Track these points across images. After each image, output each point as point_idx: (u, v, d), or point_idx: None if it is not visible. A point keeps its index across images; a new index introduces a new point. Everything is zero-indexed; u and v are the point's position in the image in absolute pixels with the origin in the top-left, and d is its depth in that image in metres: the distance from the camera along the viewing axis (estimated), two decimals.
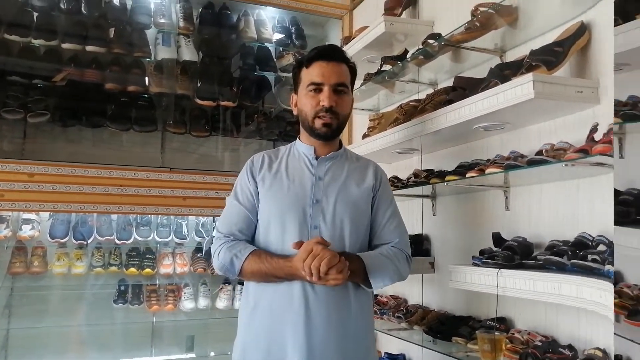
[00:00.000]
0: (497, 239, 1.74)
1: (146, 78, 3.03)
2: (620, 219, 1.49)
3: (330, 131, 1.54)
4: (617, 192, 1.69)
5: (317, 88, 1.51)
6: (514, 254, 1.54)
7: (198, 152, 3.28)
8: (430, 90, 2.36)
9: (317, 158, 1.58)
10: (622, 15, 1.56)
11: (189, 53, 3.14)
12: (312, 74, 1.52)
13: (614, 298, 1.56)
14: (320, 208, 1.50)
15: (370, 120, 2.59)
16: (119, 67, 2.97)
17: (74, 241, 2.84)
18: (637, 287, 1.65)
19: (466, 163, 1.92)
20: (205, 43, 3.23)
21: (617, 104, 1.57)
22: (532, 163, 1.45)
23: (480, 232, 1.98)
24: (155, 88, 3.00)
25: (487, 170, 1.63)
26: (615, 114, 1.52)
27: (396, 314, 2.25)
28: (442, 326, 1.94)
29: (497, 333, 1.58)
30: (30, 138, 2.84)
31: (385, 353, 2.44)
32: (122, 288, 2.95)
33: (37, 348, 2.81)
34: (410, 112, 2.23)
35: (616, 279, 1.75)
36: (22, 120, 2.72)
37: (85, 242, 2.86)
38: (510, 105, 1.51)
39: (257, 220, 1.56)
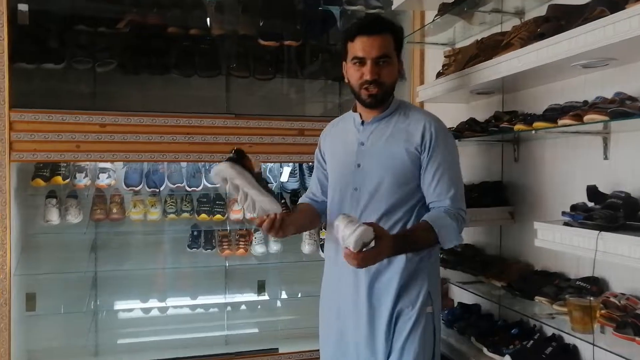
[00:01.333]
0: (593, 192, 1.54)
1: (207, 19, 2.92)
2: (607, 223, 1.33)
3: (375, 101, 1.61)
4: (603, 195, 1.51)
5: (361, 61, 1.57)
6: (616, 212, 1.36)
7: (262, 94, 3.20)
8: (516, 21, 2.09)
9: (362, 123, 1.67)
10: (610, 5, 1.37)
11: None
12: (355, 48, 1.58)
13: (600, 309, 1.40)
14: (361, 172, 1.62)
15: (445, 57, 2.37)
16: (180, 8, 2.88)
17: (147, 189, 2.91)
18: (625, 296, 1.45)
19: (558, 106, 1.69)
20: None
21: (603, 102, 1.46)
22: None
23: (571, 182, 1.78)
24: (217, 30, 2.89)
25: (587, 118, 1.42)
26: (602, 112, 1.36)
27: (472, 266, 2.14)
28: (524, 283, 1.81)
29: (589, 298, 1.43)
30: (100, 87, 2.87)
31: (459, 303, 2.36)
32: (195, 233, 3.03)
33: (123, 288, 2.99)
34: (492, 47, 1.98)
35: (601, 287, 1.57)
36: (91, 70, 2.73)
37: (157, 190, 2.92)
38: (622, 40, 1.27)
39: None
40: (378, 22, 1.63)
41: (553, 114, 1.63)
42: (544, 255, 1.91)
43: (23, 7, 2.51)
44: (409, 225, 1.58)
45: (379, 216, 1.58)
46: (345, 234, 1.29)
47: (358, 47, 1.57)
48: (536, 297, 1.67)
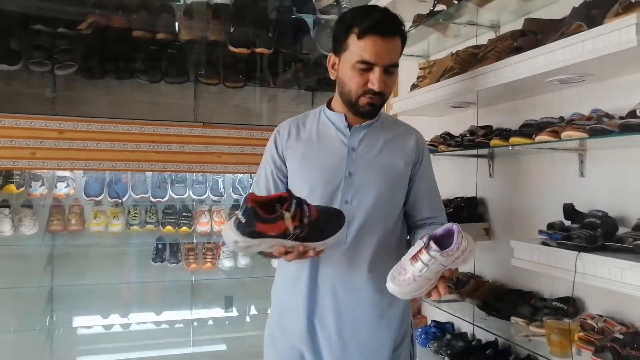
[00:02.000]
0: (570, 211, 1.51)
1: (176, 24, 2.82)
2: (586, 244, 1.30)
3: (374, 110, 1.40)
4: (580, 214, 1.48)
5: (368, 67, 1.32)
6: (594, 232, 1.32)
7: (233, 103, 3.10)
8: (491, 35, 2.07)
9: (349, 127, 1.43)
10: (588, 20, 1.34)
11: None
12: (364, 49, 1.31)
13: (577, 331, 1.36)
14: (353, 181, 1.38)
15: (420, 69, 2.33)
16: (146, 11, 2.76)
17: (109, 199, 2.77)
18: (602, 318, 1.40)
19: (534, 121, 1.66)
20: None
21: (580, 118, 1.43)
22: (627, 128, 1.19)
23: (547, 200, 1.75)
24: (186, 35, 2.78)
25: (564, 134, 1.38)
26: (580, 129, 1.33)
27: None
28: (499, 302, 1.76)
29: (566, 320, 1.39)
30: (60, 91, 2.72)
31: (432, 321, 2.31)
32: (160, 246, 2.90)
33: (82, 304, 2.83)
34: (467, 60, 1.95)
35: (577, 308, 1.54)
36: (51, 73, 2.59)
37: (120, 200, 2.79)
38: (600, 56, 1.23)
39: None
40: (396, 22, 1.36)
41: (529, 130, 1.59)
42: (518, 274, 1.87)
43: None
44: (397, 245, 1.41)
45: (379, 235, 1.38)
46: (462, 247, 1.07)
47: (369, 48, 1.30)
48: (512, 318, 1.62)
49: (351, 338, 1.37)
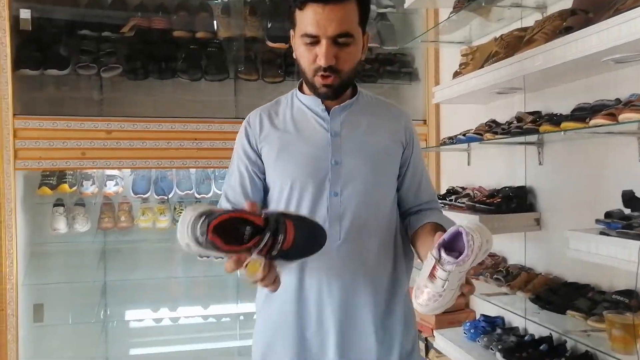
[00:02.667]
0: (630, 198, 1.42)
1: (214, 22, 2.85)
2: None
3: (332, 91, 1.21)
4: None
5: (314, 40, 1.16)
6: None
7: (272, 97, 3.10)
8: (537, 16, 1.97)
9: (327, 110, 1.27)
10: None
11: None
12: (305, 21, 1.15)
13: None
14: (340, 170, 1.22)
15: (462, 56, 2.25)
16: (186, 11, 2.82)
17: (156, 196, 2.84)
18: None
19: (587, 105, 1.58)
20: None
21: (639, 99, 1.30)
22: None
23: (603, 187, 1.66)
24: (224, 32, 2.82)
25: (622, 117, 1.30)
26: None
27: (494, 276, 2.01)
28: (554, 295, 1.68)
29: (629, 314, 1.31)
30: (107, 93, 2.81)
31: (481, 315, 2.24)
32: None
33: (133, 298, 2.93)
34: (513, 44, 1.87)
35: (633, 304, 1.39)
36: (97, 76, 2.67)
37: (166, 197, 2.85)
38: None
39: (264, 191, 1.31)
40: None
41: (582, 114, 1.51)
42: (573, 266, 1.78)
43: (25, 12, 2.46)
44: (395, 237, 1.28)
45: (375, 228, 1.24)
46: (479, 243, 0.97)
47: (309, 20, 1.14)
48: (568, 312, 1.55)
49: (351, 346, 1.23)
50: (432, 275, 0.99)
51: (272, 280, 1.01)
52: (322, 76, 1.18)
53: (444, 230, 1.08)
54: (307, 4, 1.14)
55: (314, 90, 1.24)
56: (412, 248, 1.30)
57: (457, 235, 0.97)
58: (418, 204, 1.34)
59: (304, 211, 1.21)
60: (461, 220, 1.35)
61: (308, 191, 1.22)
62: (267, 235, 0.96)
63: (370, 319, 1.23)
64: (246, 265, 0.96)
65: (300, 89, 1.32)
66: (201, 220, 0.93)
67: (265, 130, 1.29)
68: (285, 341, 1.24)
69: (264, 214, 0.99)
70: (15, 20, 2.42)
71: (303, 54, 1.19)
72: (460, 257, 0.96)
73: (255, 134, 1.29)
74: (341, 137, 1.25)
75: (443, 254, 0.97)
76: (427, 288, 0.99)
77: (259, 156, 1.29)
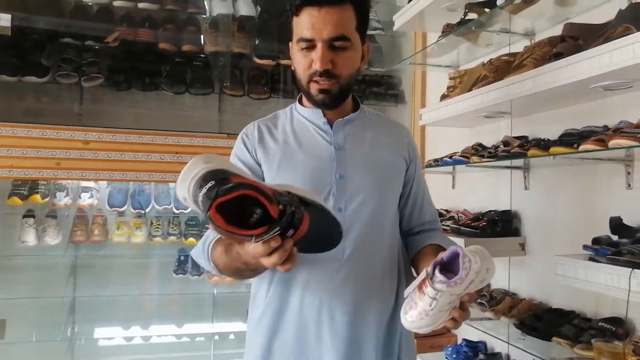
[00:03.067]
0: (617, 225, 1.42)
1: (201, 36, 2.82)
2: None
3: (329, 98, 1.17)
4: (629, 228, 1.36)
5: (309, 45, 1.14)
6: None
7: (257, 114, 3.07)
8: (526, 42, 2.00)
9: (329, 124, 1.23)
10: (635, 22, 1.26)
11: (245, 7, 2.90)
12: (301, 25, 1.14)
13: (631, 355, 1.21)
14: (345, 185, 1.17)
15: (450, 79, 2.27)
16: (173, 24, 2.78)
17: (132, 210, 2.76)
18: None
19: (575, 130, 1.58)
20: None
21: (629, 126, 1.34)
22: None
23: (590, 213, 1.66)
24: (211, 47, 2.79)
25: (612, 143, 1.30)
26: (630, 137, 1.23)
27: (478, 300, 1.99)
28: (538, 321, 1.66)
29: (618, 342, 1.29)
30: (87, 103, 2.74)
31: (463, 339, 2.21)
32: (182, 258, 2.87)
33: (103, 315, 2.80)
34: (502, 68, 1.88)
35: (627, 329, 1.40)
36: (78, 85, 2.60)
37: (143, 211, 2.77)
38: None
39: None
40: None
41: (571, 139, 1.52)
42: (558, 291, 1.77)
43: (5, 17, 2.39)
44: (400, 256, 1.24)
45: (382, 246, 1.19)
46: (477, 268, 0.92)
47: (305, 23, 1.12)
48: (554, 338, 1.52)
49: None
50: (420, 290, 0.94)
51: (280, 260, 0.86)
52: (317, 82, 1.15)
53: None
54: (303, 9, 1.12)
55: (311, 99, 1.20)
56: (413, 270, 1.26)
57: (456, 256, 0.93)
58: (420, 223, 1.31)
59: None
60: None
61: None
62: (276, 229, 0.81)
63: (372, 343, 1.15)
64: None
65: (300, 102, 1.28)
66: (208, 187, 0.78)
67: (265, 142, 1.23)
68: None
69: (281, 205, 0.82)
70: None
71: (299, 61, 1.16)
72: (453, 279, 0.92)
73: (254, 145, 1.23)
74: (345, 151, 1.20)
75: (437, 272, 0.93)
76: (417, 302, 0.95)
77: (260, 165, 1.22)
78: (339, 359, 1.12)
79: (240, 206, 0.82)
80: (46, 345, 2.67)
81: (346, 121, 1.24)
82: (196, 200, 0.80)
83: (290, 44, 1.21)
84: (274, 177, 1.20)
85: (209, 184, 0.78)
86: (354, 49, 1.16)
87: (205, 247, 1.12)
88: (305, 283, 1.14)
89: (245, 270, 1.02)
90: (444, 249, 1.15)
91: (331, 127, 1.22)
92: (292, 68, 1.22)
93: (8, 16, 2.43)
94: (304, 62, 1.16)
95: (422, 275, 0.96)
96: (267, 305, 1.17)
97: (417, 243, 1.25)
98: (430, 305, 0.93)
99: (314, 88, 1.17)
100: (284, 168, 1.19)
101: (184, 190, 0.82)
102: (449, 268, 0.95)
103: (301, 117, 1.27)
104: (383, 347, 1.17)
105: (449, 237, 1.31)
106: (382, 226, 1.20)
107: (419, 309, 0.95)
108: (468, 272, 0.91)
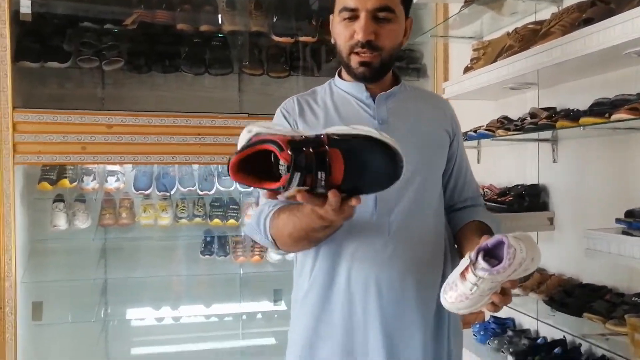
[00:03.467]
0: None
1: (219, 16, 2.80)
2: None
3: (370, 71, 1.15)
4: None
5: (352, 14, 1.11)
6: None
7: (277, 93, 3.06)
8: (553, 9, 1.91)
9: (372, 97, 1.20)
10: None
11: None
12: None
13: None
14: None
15: (473, 50, 2.20)
16: (190, 5, 2.76)
17: (158, 192, 2.79)
18: None
19: (606, 100, 1.51)
20: None
21: None
22: None
23: (621, 185, 1.60)
24: (229, 26, 2.76)
25: None
26: None
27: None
28: (568, 297, 1.63)
29: None
30: (109, 87, 2.76)
31: (491, 316, 2.19)
32: (208, 239, 2.91)
33: (134, 296, 2.88)
34: (528, 37, 1.81)
35: None
36: (99, 69, 2.62)
37: (168, 193, 2.80)
38: None
39: None
40: None
41: (602, 109, 1.45)
42: (588, 267, 1.73)
43: (26, 4, 2.40)
44: (444, 234, 1.21)
45: (427, 223, 1.17)
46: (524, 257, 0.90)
47: None
48: (585, 314, 1.49)
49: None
50: (463, 276, 0.93)
51: (334, 214, 0.83)
52: (359, 53, 1.13)
53: (489, 230, 1.04)
54: None
55: (350, 72, 1.17)
56: (456, 246, 1.24)
57: (501, 244, 0.91)
58: (463, 199, 1.29)
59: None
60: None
61: None
62: (296, 175, 0.76)
63: (420, 323, 1.13)
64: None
65: (340, 76, 1.25)
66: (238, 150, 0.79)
67: (306, 116, 1.20)
68: (332, 339, 1.14)
69: (290, 150, 0.77)
70: (15, 12, 2.37)
71: (340, 32, 1.14)
72: (495, 267, 0.90)
73: (295, 119, 1.20)
74: (390, 125, 1.16)
75: (480, 259, 0.92)
76: (457, 285, 0.94)
77: None
78: (386, 340, 1.11)
79: (265, 161, 0.81)
80: (81, 326, 2.76)
81: (388, 95, 1.21)
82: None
83: (331, 16, 1.19)
84: None
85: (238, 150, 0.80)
86: (398, 22, 1.14)
87: (260, 220, 1.10)
88: (351, 258, 1.12)
89: (319, 229, 0.98)
90: (487, 226, 1.16)
91: (374, 101, 1.20)
92: (332, 41, 1.19)
93: (28, 2, 2.46)
94: (345, 33, 1.13)
95: (466, 261, 0.95)
96: (313, 281, 1.15)
97: (460, 219, 1.24)
98: (471, 290, 0.93)
99: (354, 60, 1.14)
100: None
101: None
102: (493, 254, 0.93)
103: (341, 92, 1.23)
104: (433, 328, 1.15)
105: (491, 214, 1.28)
106: (428, 203, 1.17)
107: (459, 292, 0.94)
108: (512, 262, 0.89)
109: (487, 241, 0.94)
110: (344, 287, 1.12)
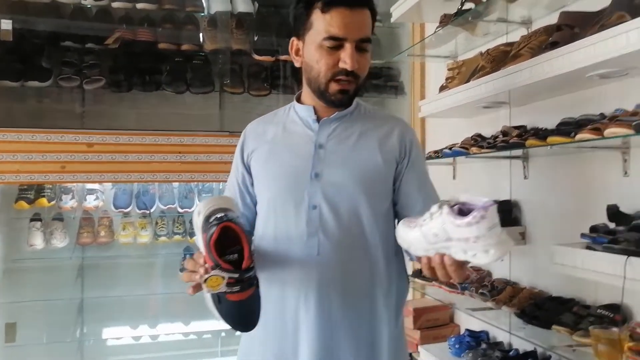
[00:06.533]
0: (614, 213, 1.42)
1: (200, 34, 2.84)
2: (636, 247, 1.19)
3: (347, 98, 1.21)
4: (625, 216, 1.37)
5: (338, 44, 1.14)
6: None
7: (258, 111, 3.09)
8: (523, 31, 1.99)
9: (318, 120, 1.25)
10: (630, 9, 1.25)
11: (243, 4, 2.91)
12: (331, 23, 1.13)
13: (627, 341, 1.23)
14: (320, 184, 1.19)
15: (448, 70, 2.27)
16: (172, 24, 2.80)
17: (137, 210, 2.79)
18: None
19: (572, 119, 1.58)
20: None
21: (624, 114, 1.33)
22: None
23: (588, 201, 1.66)
24: (210, 45, 2.80)
25: (608, 132, 1.30)
26: (625, 125, 1.23)
27: (480, 290, 2.00)
28: (539, 310, 1.67)
29: (614, 329, 1.30)
30: (89, 104, 2.76)
31: (466, 330, 2.22)
32: (188, 257, 2.88)
33: (111, 315, 2.85)
34: (499, 58, 1.88)
35: (624, 316, 1.41)
36: (79, 88, 2.63)
37: (148, 211, 2.80)
38: None
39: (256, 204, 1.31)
40: None
41: (568, 128, 1.51)
42: (557, 280, 1.78)
43: (7, 23, 2.41)
44: (390, 258, 1.24)
45: (357, 247, 1.20)
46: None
47: (337, 22, 1.13)
48: (554, 326, 1.53)
49: None
50: (427, 216, 0.97)
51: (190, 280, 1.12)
52: (340, 81, 1.17)
53: None
54: (333, 7, 1.13)
55: (322, 96, 1.21)
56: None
57: (479, 206, 0.88)
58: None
59: (280, 221, 1.21)
60: None
61: (289, 203, 1.20)
62: (236, 275, 1.02)
63: (351, 341, 1.18)
64: (206, 280, 1.03)
65: (299, 100, 1.30)
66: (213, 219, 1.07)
67: (258, 142, 1.29)
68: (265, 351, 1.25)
69: (253, 262, 1.05)
70: None
71: (321, 59, 1.16)
72: (465, 218, 0.87)
73: (248, 146, 1.31)
74: (326, 150, 1.22)
75: (447, 206, 0.92)
76: (417, 220, 1.00)
77: (247, 170, 1.30)
78: (314, 347, 1.16)
79: (228, 240, 1.05)
80: (56, 346, 2.73)
81: (333, 119, 1.25)
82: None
83: (295, 39, 1.23)
84: (258, 177, 1.27)
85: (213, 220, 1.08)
86: (370, 51, 1.20)
87: None
88: (283, 280, 1.20)
89: None
90: None
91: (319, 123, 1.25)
92: (296, 62, 1.24)
93: (9, 21, 2.46)
94: (328, 61, 1.15)
95: (435, 206, 0.96)
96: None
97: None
98: (429, 229, 0.95)
99: (334, 87, 1.18)
100: (266, 168, 1.26)
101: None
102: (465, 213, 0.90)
103: (294, 115, 1.29)
104: (366, 345, 1.19)
105: None
106: (359, 225, 1.20)
107: (416, 226, 0.98)
108: (480, 221, 0.86)
109: (469, 198, 0.93)
110: (277, 305, 1.20)
